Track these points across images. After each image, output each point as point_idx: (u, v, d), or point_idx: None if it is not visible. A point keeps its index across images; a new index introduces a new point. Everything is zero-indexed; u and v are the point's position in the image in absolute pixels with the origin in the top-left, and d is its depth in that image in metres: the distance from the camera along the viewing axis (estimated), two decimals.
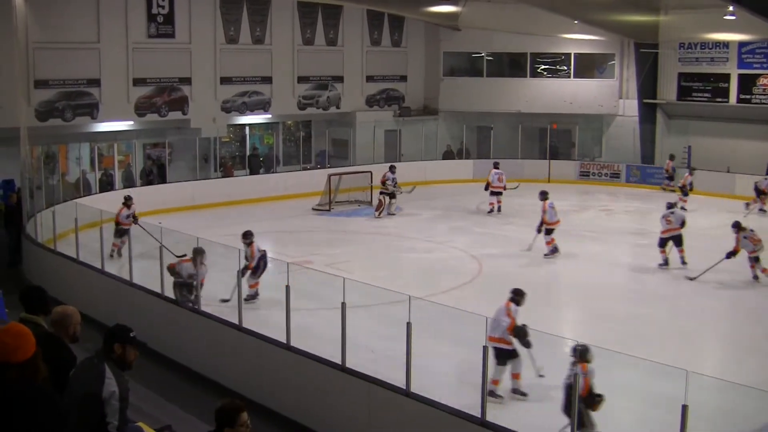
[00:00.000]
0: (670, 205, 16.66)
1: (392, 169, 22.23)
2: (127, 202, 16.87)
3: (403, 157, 28.26)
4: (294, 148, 29.24)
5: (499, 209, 21.70)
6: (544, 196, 17.48)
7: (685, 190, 22.54)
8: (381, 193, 21.89)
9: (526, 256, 17.33)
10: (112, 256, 15.72)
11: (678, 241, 16.10)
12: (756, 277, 15.11)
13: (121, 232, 16.13)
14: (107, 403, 4.78)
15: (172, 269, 12.40)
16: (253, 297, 13.48)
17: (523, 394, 9.82)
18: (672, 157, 25.86)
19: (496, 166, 22.20)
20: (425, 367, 9.52)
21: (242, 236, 13.70)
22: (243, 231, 13.83)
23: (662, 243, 16.21)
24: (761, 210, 21.89)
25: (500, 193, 21.69)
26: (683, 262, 16.02)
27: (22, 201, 18.13)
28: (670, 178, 25.49)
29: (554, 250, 17.13)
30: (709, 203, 23.96)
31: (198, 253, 12.27)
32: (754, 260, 15.08)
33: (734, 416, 9.22)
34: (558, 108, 29.25)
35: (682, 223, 16.13)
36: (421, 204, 22.75)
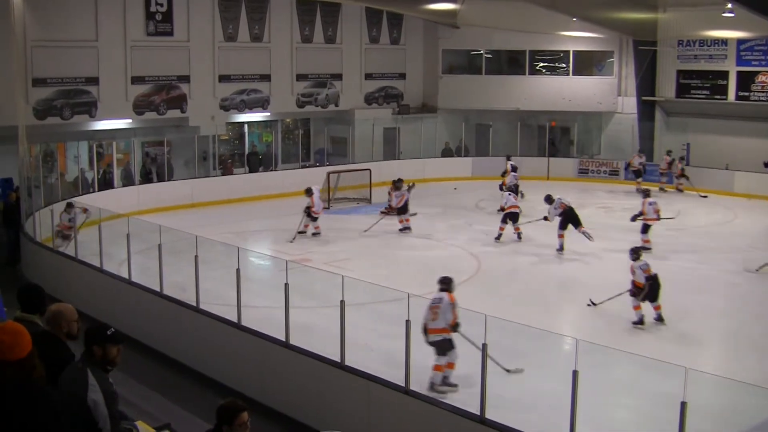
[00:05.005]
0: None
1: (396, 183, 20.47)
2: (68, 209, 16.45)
3: (402, 155, 28.28)
4: (293, 146, 29.21)
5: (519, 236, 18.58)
6: (645, 194, 18.57)
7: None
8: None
9: (525, 253, 17.32)
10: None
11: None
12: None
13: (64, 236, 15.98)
14: (95, 410, 4.73)
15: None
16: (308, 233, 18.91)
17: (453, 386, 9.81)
18: (669, 153, 25.80)
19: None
20: (424, 365, 9.53)
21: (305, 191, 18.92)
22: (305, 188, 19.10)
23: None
24: None
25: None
26: None
27: (21, 199, 18.14)
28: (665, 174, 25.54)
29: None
30: (707, 200, 24.02)
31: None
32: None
33: (733, 413, 9.22)
34: (557, 105, 29.24)
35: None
36: (420, 202, 22.71)
